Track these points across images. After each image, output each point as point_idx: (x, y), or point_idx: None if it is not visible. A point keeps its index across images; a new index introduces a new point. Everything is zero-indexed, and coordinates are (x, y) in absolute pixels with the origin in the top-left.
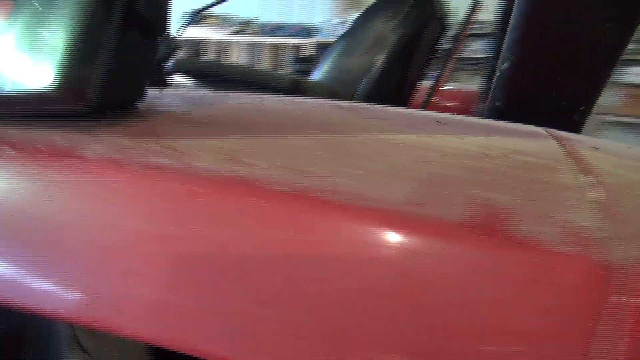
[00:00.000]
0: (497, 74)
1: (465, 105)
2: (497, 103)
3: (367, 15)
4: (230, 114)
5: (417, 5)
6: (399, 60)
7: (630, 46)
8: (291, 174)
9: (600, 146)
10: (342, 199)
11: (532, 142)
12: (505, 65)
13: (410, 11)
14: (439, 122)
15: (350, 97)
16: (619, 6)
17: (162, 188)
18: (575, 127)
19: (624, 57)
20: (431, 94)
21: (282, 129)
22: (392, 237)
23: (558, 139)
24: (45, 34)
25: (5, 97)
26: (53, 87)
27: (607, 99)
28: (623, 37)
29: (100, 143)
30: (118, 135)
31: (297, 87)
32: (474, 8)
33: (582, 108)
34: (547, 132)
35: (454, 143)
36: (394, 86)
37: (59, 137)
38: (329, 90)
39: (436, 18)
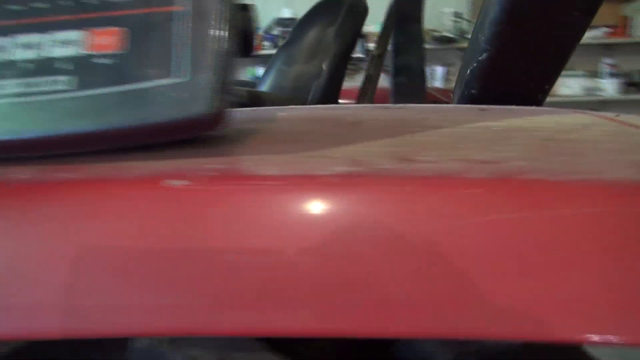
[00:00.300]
0: (474, 64)
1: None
2: (473, 91)
3: (304, 25)
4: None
5: (351, 13)
6: (341, 64)
7: None
8: (477, 164)
9: (619, 115)
10: (558, 178)
11: (582, 117)
12: (484, 56)
13: (346, 19)
14: (481, 109)
15: (303, 103)
16: None
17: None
18: (539, 104)
19: None
20: (373, 92)
21: (399, 130)
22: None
23: (586, 113)
24: (203, 61)
25: (162, 125)
26: (210, 112)
27: None
28: (586, 24)
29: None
30: (272, 153)
31: (257, 99)
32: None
33: (546, 87)
34: (563, 110)
35: (531, 123)
36: (337, 89)
37: (220, 163)
38: (287, 99)
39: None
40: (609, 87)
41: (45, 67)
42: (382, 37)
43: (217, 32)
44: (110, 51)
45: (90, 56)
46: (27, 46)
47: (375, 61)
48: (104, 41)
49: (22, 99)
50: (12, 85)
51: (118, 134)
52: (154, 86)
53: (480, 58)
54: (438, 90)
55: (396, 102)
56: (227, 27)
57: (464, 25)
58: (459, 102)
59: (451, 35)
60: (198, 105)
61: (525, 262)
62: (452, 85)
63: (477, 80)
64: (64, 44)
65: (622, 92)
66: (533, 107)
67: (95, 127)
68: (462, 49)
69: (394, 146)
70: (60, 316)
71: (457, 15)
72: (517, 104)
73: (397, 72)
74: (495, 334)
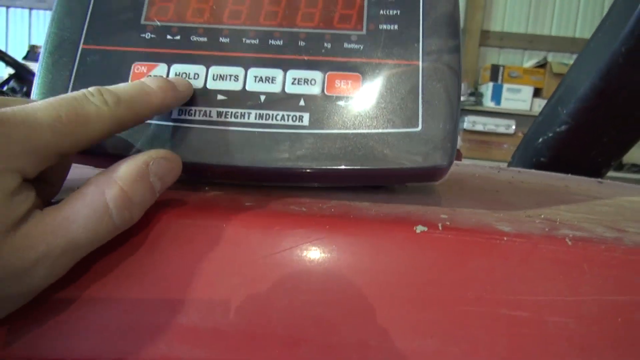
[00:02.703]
0: (549, 134)
1: None
2: (542, 159)
3: None
4: (498, 183)
5: None
6: None
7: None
8: None
9: None
10: None
11: None
12: (562, 128)
13: None
14: (600, 182)
15: None
16: None
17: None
18: (601, 177)
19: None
20: None
21: (560, 195)
22: None
23: None
24: (437, 114)
25: (393, 171)
26: (445, 163)
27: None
28: None
29: (496, 218)
30: (485, 208)
31: None
32: None
33: (612, 163)
34: None
35: None
36: None
37: (443, 214)
38: None
39: None
40: None
41: (281, 102)
42: None
43: (450, 87)
44: (346, 94)
45: (328, 97)
46: (267, 80)
47: None
48: (342, 85)
49: (260, 130)
50: (251, 116)
51: (347, 175)
52: (387, 132)
53: (558, 129)
54: None
55: None
56: (458, 82)
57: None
58: (524, 166)
59: None
60: (432, 157)
61: None
62: None
63: (550, 150)
64: (303, 82)
65: None
66: (635, 186)
67: (327, 165)
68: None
69: (583, 212)
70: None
71: None
72: (581, 175)
73: None
74: None
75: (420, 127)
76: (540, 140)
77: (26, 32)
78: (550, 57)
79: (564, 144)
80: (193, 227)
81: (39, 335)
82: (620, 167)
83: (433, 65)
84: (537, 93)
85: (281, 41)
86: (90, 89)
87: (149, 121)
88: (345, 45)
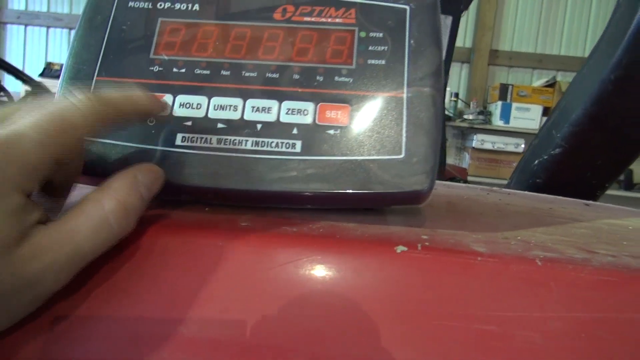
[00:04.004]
0: (544, 157)
1: None
2: (538, 180)
3: None
4: (484, 205)
5: None
6: None
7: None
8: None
9: None
10: None
11: None
12: (557, 151)
13: None
14: (586, 204)
15: None
16: None
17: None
18: (595, 200)
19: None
20: None
21: (541, 218)
22: None
23: None
24: (419, 142)
25: (378, 195)
26: (425, 188)
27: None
28: None
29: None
30: (456, 228)
31: None
32: None
33: (606, 185)
34: None
35: None
36: None
37: (424, 235)
38: None
39: None
40: None
41: (276, 130)
42: None
43: (431, 117)
44: (336, 124)
45: (319, 126)
46: (263, 110)
47: None
48: (333, 115)
49: (254, 156)
50: (248, 143)
51: (335, 198)
52: (372, 159)
53: (552, 152)
54: (453, 167)
55: None
56: (440, 113)
57: (460, 105)
58: (521, 188)
59: (448, 114)
60: (414, 183)
61: None
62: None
63: (545, 172)
64: (296, 112)
65: None
66: (624, 207)
67: (317, 189)
68: (457, 127)
69: (559, 235)
70: None
71: (455, 95)
72: (576, 197)
73: None
74: None
75: (403, 155)
76: (536, 162)
77: (43, 49)
78: (559, 77)
79: (558, 166)
80: (192, 245)
81: (46, 342)
82: (630, 187)
83: (416, 98)
84: (545, 112)
85: (277, 74)
86: (76, 93)
87: (153, 147)
88: (336, 78)
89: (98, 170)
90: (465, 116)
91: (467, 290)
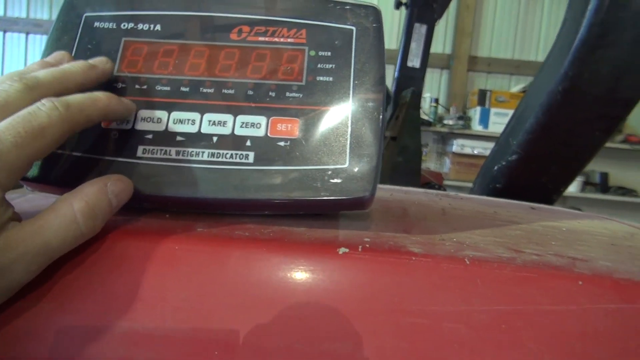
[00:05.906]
0: (502, 163)
1: None
2: (498, 185)
3: None
4: (428, 209)
5: None
6: None
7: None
8: (575, 261)
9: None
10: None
11: (613, 223)
12: (513, 157)
13: None
14: (532, 207)
15: None
16: (609, 121)
17: (495, 276)
18: (551, 203)
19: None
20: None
21: (483, 221)
22: None
23: (603, 217)
24: (362, 152)
25: (325, 201)
26: (368, 194)
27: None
28: (604, 140)
29: (412, 241)
30: (398, 231)
31: None
32: None
33: (561, 189)
34: (591, 214)
35: (585, 226)
36: None
37: (367, 237)
38: None
39: None
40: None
41: (231, 142)
42: (397, 122)
43: (373, 130)
44: (287, 136)
45: (271, 139)
46: (219, 124)
47: (390, 143)
48: (283, 128)
49: (211, 166)
50: (205, 154)
51: (285, 204)
52: (319, 169)
53: (509, 159)
54: (429, 172)
55: (393, 180)
56: (381, 126)
57: (440, 110)
58: (482, 193)
59: (429, 119)
60: (357, 190)
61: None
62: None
63: (504, 177)
64: (249, 125)
65: (580, 190)
66: (569, 210)
67: (269, 197)
68: (437, 132)
69: (493, 236)
70: None
71: (435, 101)
72: (535, 202)
73: (398, 153)
74: None
75: (347, 164)
76: (496, 168)
77: (22, 55)
78: None
79: (515, 172)
80: (150, 249)
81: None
82: (606, 189)
83: (359, 112)
84: None
85: (233, 90)
86: (43, 100)
87: (116, 158)
88: (287, 94)
89: (65, 181)
90: (445, 121)
91: (401, 287)
